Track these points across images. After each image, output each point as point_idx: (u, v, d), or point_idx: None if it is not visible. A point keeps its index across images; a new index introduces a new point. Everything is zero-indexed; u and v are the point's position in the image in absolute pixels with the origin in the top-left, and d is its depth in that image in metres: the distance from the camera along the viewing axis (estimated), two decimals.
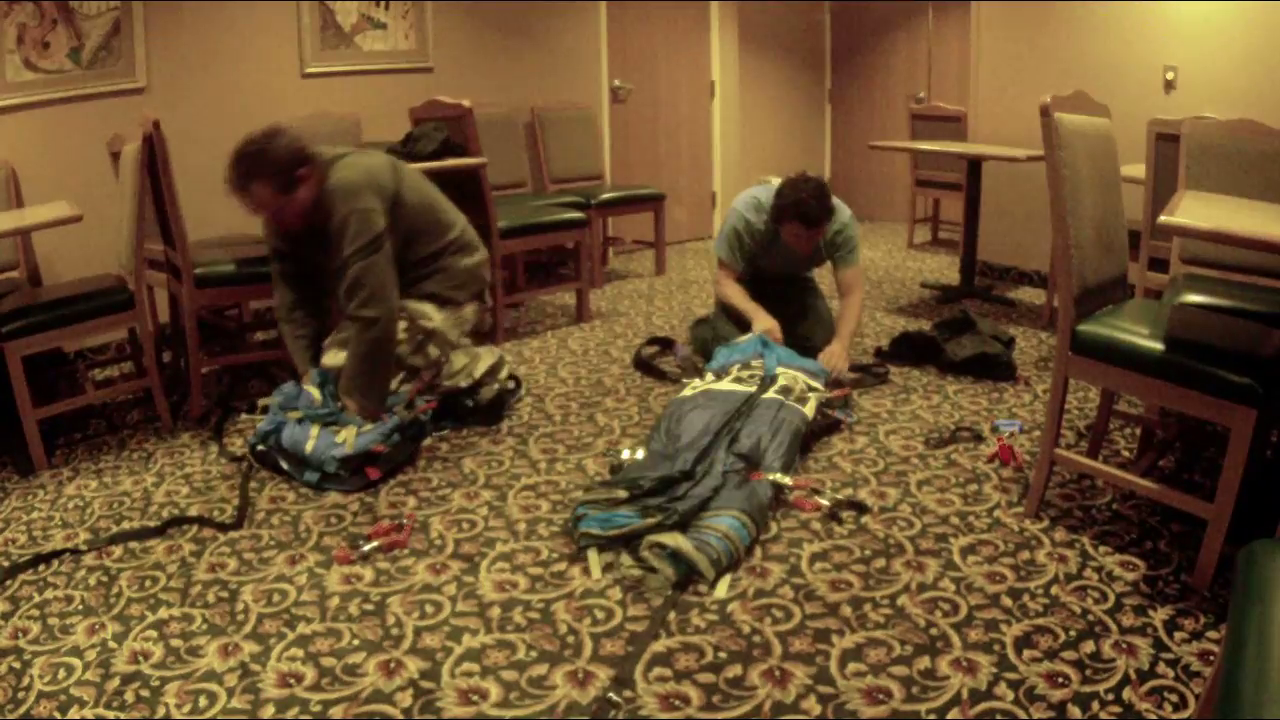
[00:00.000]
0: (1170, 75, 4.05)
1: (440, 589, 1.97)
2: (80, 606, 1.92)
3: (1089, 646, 1.70)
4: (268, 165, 2.47)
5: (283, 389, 2.66)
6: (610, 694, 1.60)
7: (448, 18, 4.82)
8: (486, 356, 2.93)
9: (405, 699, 1.60)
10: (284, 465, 2.53)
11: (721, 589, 1.93)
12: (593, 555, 2.06)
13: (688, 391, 2.75)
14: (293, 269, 2.82)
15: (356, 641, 1.78)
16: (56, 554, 2.15)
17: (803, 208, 3.06)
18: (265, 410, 2.66)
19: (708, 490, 2.16)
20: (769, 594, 1.91)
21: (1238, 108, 3.52)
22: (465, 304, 2.87)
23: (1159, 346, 1.92)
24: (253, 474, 2.56)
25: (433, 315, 2.76)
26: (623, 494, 2.15)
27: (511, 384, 3.09)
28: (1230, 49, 3.83)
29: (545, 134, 5.20)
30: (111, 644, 1.78)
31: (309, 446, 2.47)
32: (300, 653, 1.74)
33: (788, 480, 2.32)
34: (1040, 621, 1.78)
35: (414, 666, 1.70)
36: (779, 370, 2.81)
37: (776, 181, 3.27)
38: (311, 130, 4.28)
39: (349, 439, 2.47)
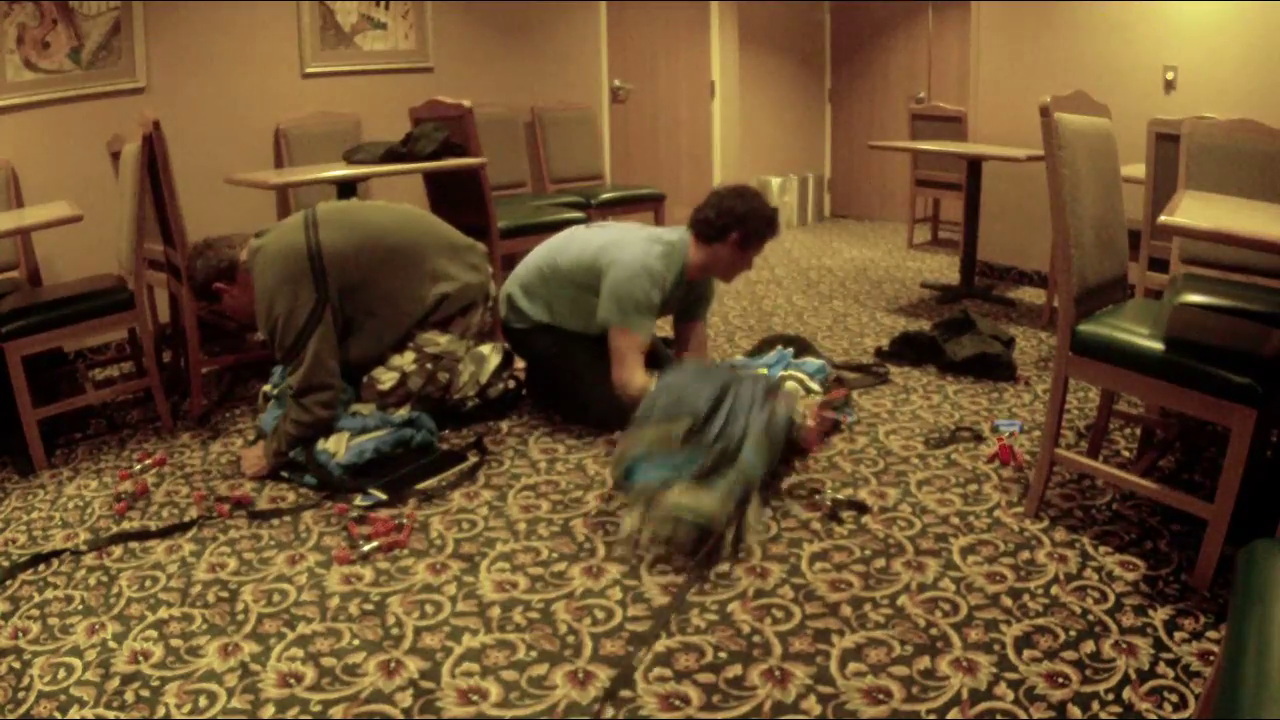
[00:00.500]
0: (1170, 75, 4.05)
1: (440, 589, 1.97)
2: (80, 606, 1.93)
3: (1089, 646, 1.70)
4: (191, 284, 2.71)
5: (274, 378, 2.73)
6: (635, 652, 1.64)
7: (448, 18, 4.82)
8: (492, 358, 2.91)
9: (405, 699, 1.60)
10: (283, 473, 2.54)
11: (753, 521, 2.04)
12: (634, 518, 2.08)
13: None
14: None
15: (356, 641, 1.78)
16: (56, 554, 2.15)
17: (775, 216, 2.72)
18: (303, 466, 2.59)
19: (748, 401, 2.16)
20: (769, 594, 1.91)
21: (1238, 108, 3.51)
22: (469, 315, 2.84)
23: (1159, 346, 1.92)
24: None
25: (438, 339, 2.74)
26: (686, 423, 2.07)
27: (512, 383, 3.08)
28: (1230, 49, 3.83)
29: (545, 134, 5.20)
30: (111, 644, 1.78)
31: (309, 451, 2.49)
32: (300, 653, 1.74)
33: (803, 412, 2.32)
34: (1040, 621, 1.78)
35: (414, 666, 1.70)
36: (781, 374, 2.82)
37: (654, 229, 2.85)
38: (311, 130, 4.31)
39: (339, 449, 2.47)
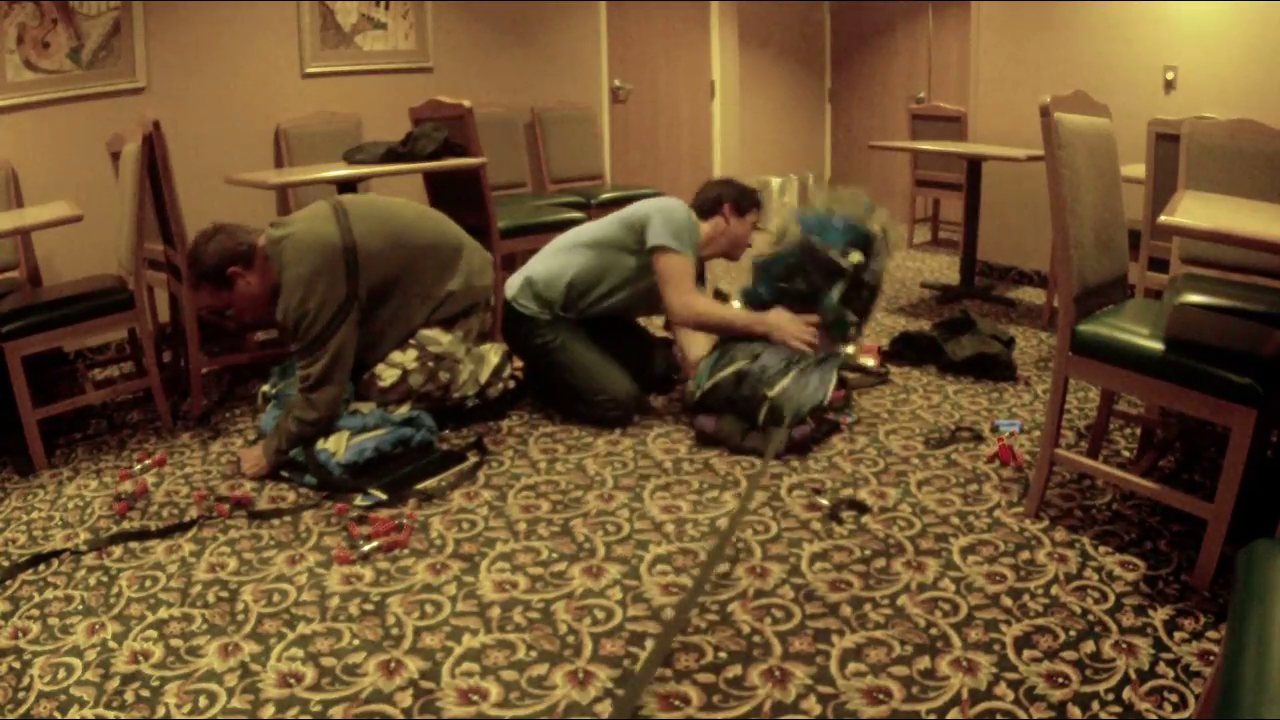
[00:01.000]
0: (1170, 75, 4.05)
1: (440, 589, 1.97)
2: (80, 606, 1.93)
3: (1089, 646, 1.70)
4: (199, 267, 2.54)
5: (274, 378, 2.74)
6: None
7: (448, 18, 4.82)
8: (491, 357, 2.90)
9: (405, 699, 1.60)
10: (283, 472, 2.54)
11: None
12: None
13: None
14: None
15: (356, 641, 1.78)
16: (56, 554, 2.15)
17: (755, 190, 3.05)
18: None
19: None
20: (769, 594, 1.91)
21: (1238, 108, 3.51)
22: (471, 316, 2.85)
23: (1159, 346, 1.92)
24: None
25: (440, 339, 2.73)
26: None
27: (512, 383, 3.08)
28: (1230, 49, 3.83)
29: (545, 134, 5.20)
30: (111, 644, 1.78)
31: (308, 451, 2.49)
32: (300, 653, 1.74)
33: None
34: (1040, 621, 1.78)
35: (414, 666, 1.70)
36: None
37: None
38: (311, 130, 4.31)
39: (339, 448, 2.47)
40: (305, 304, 2.47)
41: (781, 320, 2.73)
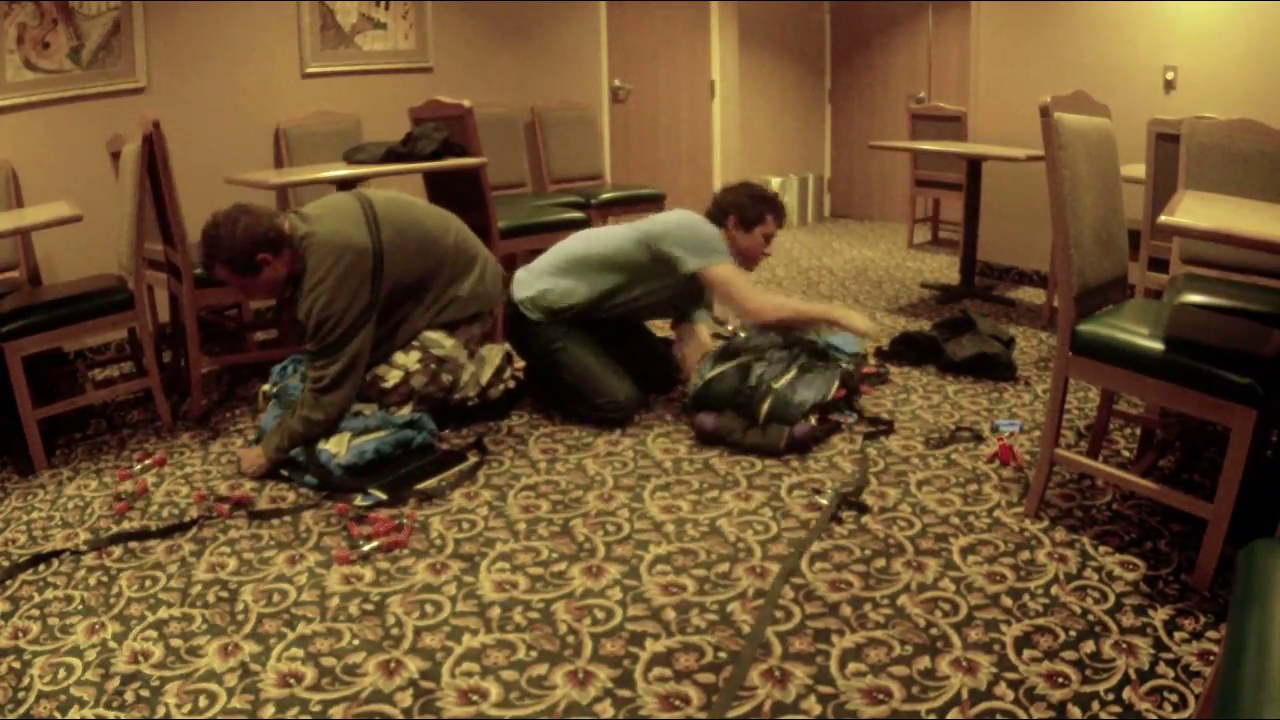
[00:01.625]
0: (1170, 75, 4.05)
1: (440, 589, 1.97)
2: (80, 606, 1.93)
3: (1089, 646, 1.70)
4: (223, 250, 2.47)
5: (274, 378, 2.75)
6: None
7: (448, 18, 4.82)
8: (492, 358, 2.91)
9: (405, 699, 1.60)
10: (283, 471, 2.54)
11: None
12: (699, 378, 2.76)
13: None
14: None
15: (356, 641, 1.78)
16: (56, 554, 2.15)
17: (774, 197, 2.98)
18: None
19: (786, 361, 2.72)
20: (770, 594, 1.91)
21: (1238, 108, 3.51)
22: (475, 322, 2.85)
23: (1159, 346, 1.92)
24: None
25: (444, 342, 2.73)
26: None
27: (512, 383, 3.08)
28: (1230, 49, 3.83)
29: (545, 134, 5.20)
30: (111, 644, 1.78)
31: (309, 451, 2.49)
32: (300, 653, 1.74)
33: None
34: (1040, 621, 1.78)
35: (414, 666, 1.70)
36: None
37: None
38: (311, 130, 4.31)
39: (340, 450, 2.47)
40: (330, 307, 2.46)
41: (848, 309, 2.91)
